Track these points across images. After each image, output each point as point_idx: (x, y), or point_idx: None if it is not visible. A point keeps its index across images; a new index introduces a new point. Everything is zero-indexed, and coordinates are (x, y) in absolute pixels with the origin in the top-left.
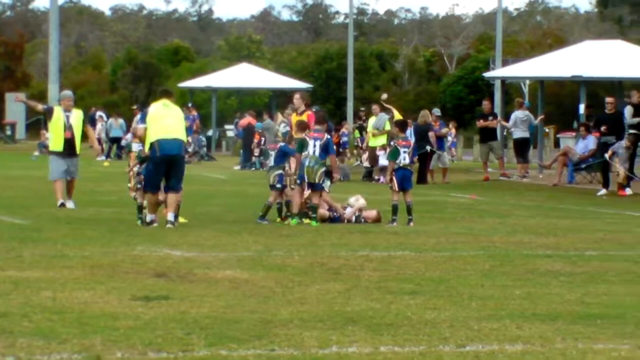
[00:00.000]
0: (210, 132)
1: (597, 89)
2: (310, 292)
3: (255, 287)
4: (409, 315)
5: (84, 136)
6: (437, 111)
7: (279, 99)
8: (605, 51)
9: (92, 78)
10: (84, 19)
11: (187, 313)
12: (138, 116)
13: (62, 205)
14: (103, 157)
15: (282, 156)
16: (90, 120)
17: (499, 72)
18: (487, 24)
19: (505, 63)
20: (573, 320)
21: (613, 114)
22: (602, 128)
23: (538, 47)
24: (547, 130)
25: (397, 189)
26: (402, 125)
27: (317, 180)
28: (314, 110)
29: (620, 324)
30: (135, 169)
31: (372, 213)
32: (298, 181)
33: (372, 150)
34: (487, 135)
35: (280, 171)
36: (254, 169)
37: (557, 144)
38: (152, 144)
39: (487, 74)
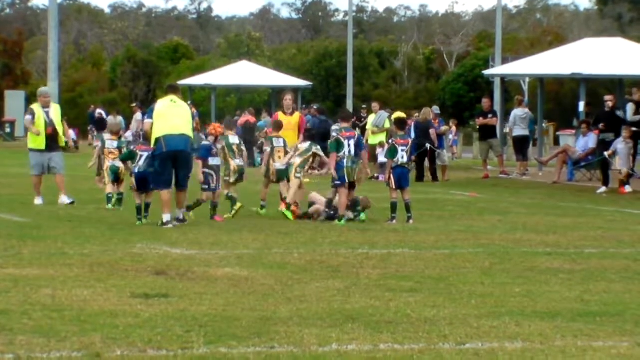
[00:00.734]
0: None
1: (597, 87)
2: (309, 290)
3: (254, 285)
4: (409, 313)
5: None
6: (436, 109)
7: (279, 97)
8: (605, 49)
9: (92, 76)
10: (83, 17)
11: (186, 311)
12: (138, 114)
13: (39, 202)
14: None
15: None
16: (89, 118)
17: (498, 69)
18: (487, 21)
19: (504, 61)
20: (572, 318)
21: (611, 111)
22: (600, 125)
23: (538, 44)
24: (545, 126)
25: (394, 187)
26: (400, 124)
27: (355, 179)
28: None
29: (619, 321)
30: (108, 163)
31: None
32: (338, 182)
33: (372, 148)
34: (487, 133)
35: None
36: (254, 166)
37: (556, 141)
38: (157, 140)
39: (486, 72)
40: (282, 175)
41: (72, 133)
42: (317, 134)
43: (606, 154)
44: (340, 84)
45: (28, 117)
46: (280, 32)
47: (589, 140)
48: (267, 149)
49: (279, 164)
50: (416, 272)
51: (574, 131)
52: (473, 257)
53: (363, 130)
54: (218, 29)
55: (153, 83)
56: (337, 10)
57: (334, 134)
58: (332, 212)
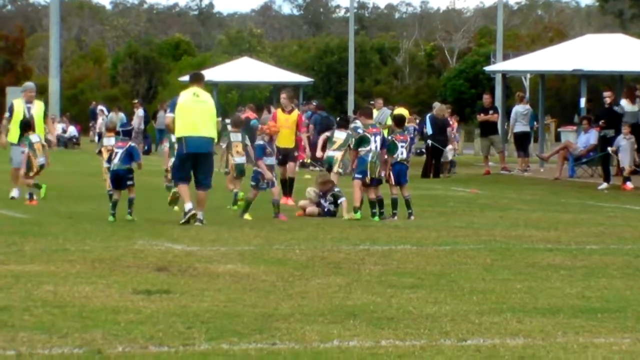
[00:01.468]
0: None
1: (598, 83)
2: (311, 286)
3: (256, 281)
4: (410, 309)
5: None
6: (437, 105)
7: (280, 94)
8: (606, 45)
9: (93, 72)
10: (84, 13)
11: (188, 307)
12: (139, 111)
13: (13, 198)
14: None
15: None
16: (91, 114)
17: (499, 66)
18: (488, 17)
19: (506, 57)
20: (574, 314)
21: (611, 107)
22: (600, 122)
23: (539, 41)
24: (547, 122)
25: (393, 183)
26: (399, 121)
27: (377, 175)
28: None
29: (620, 317)
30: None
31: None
32: (359, 176)
33: None
34: (488, 129)
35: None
36: None
37: (557, 138)
38: (179, 139)
39: (487, 68)
40: (242, 169)
41: (73, 129)
42: (320, 131)
43: (610, 149)
44: (342, 80)
45: (6, 114)
46: (282, 28)
47: (590, 137)
48: (223, 145)
49: (237, 158)
50: (417, 268)
51: (575, 127)
52: (474, 254)
53: None
54: (219, 25)
55: (154, 79)
56: (338, 6)
57: (359, 130)
58: (329, 206)
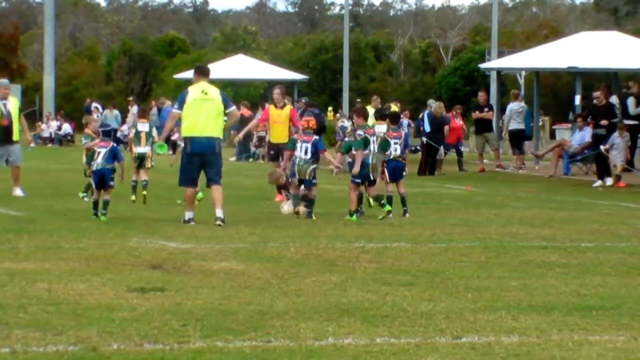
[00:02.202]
0: None
1: (593, 80)
2: (306, 284)
3: (251, 279)
4: (405, 307)
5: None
6: (432, 102)
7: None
8: (601, 42)
9: (87, 69)
10: (79, 10)
11: (182, 305)
12: (134, 108)
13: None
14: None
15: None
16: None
17: (494, 63)
18: (483, 15)
19: (500, 54)
20: (569, 312)
21: (603, 105)
22: (602, 122)
23: (534, 38)
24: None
25: (388, 181)
26: (393, 118)
27: (375, 177)
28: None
29: (615, 315)
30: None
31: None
32: (358, 181)
33: None
34: (483, 126)
35: (316, 165)
36: (250, 160)
37: (552, 135)
38: (185, 139)
39: (482, 65)
40: (143, 159)
41: (68, 127)
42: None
43: (602, 148)
44: (336, 77)
45: None
46: (276, 25)
47: (585, 134)
48: (131, 134)
49: (141, 148)
50: (412, 265)
51: (569, 125)
52: (469, 251)
53: None
54: (214, 22)
55: (149, 77)
56: (333, 3)
57: (360, 132)
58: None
